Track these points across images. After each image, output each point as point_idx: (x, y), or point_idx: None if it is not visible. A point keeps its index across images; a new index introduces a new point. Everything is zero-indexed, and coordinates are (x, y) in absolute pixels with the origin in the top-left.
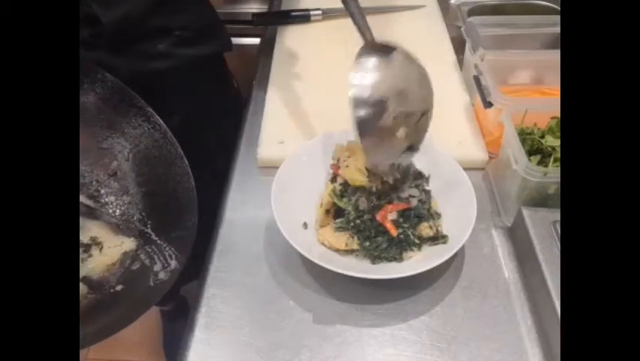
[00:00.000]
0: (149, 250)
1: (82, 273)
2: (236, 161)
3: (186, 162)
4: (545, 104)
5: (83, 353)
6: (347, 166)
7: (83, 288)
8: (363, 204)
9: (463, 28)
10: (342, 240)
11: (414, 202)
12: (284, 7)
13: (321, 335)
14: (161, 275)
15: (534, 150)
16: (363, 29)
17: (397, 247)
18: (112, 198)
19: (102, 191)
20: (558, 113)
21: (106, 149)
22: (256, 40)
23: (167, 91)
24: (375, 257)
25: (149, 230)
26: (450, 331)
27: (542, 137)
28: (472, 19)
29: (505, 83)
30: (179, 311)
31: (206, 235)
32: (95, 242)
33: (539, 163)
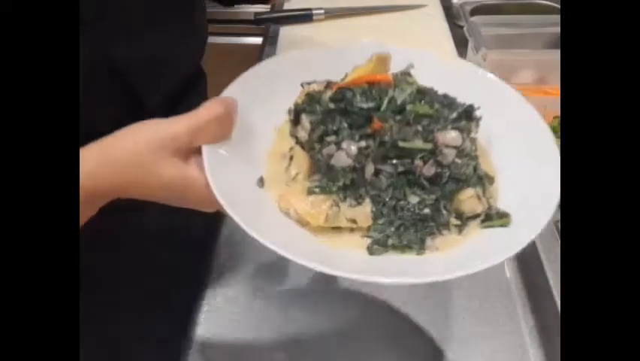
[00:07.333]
0: None
1: None
2: None
3: None
4: (547, 104)
5: None
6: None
7: None
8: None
9: (465, 28)
10: (320, 210)
11: (450, 156)
12: (286, 6)
13: (321, 334)
14: None
15: None
16: None
17: (419, 228)
18: None
19: None
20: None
21: None
22: (258, 40)
23: None
24: (379, 242)
25: None
26: (450, 331)
27: None
28: (474, 18)
29: (507, 82)
30: None
31: (207, 234)
32: None
33: None
